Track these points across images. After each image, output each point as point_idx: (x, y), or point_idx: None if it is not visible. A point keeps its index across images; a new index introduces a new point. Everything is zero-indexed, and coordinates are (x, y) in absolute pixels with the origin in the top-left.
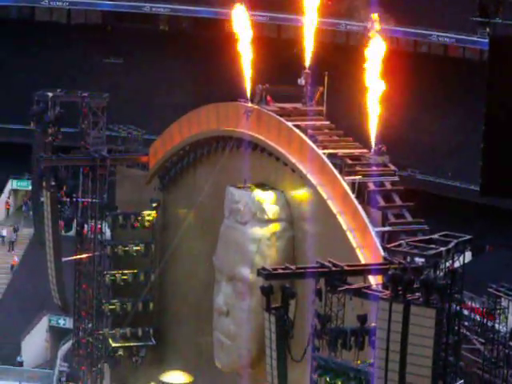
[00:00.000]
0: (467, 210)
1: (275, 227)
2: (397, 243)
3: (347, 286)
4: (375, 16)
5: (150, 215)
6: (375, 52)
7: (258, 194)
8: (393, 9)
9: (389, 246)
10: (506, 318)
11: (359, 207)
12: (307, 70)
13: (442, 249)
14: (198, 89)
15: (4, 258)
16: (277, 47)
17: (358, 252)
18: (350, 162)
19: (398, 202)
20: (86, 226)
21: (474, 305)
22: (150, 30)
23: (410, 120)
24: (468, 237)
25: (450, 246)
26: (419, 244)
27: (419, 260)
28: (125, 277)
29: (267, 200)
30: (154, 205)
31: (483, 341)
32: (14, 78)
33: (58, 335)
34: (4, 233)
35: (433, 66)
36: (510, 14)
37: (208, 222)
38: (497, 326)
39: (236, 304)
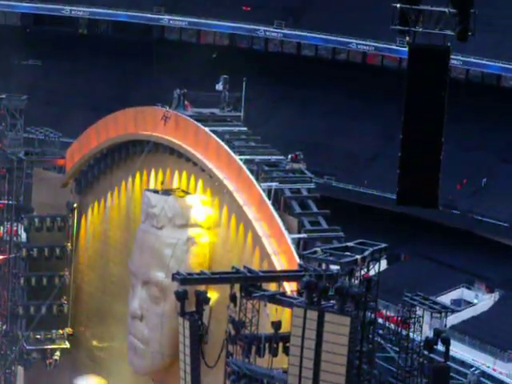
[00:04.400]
0: (383, 218)
1: (191, 232)
2: (312, 250)
3: (262, 292)
4: None
5: (65, 218)
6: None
7: (175, 198)
8: (312, 16)
9: (304, 252)
10: (421, 326)
11: (275, 214)
12: (225, 76)
13: (358, 256)
14: (116, 92)
15: None
16: (196, 52)
17: (274, 258)
18: (266, 168)
19: (314, 209)
20: (1, 227)
21: (388, 313)
22: (69, 32)
23: (328, 127)
24: (383, 245)
25: (366, 253)
26: (334, 251)
27: (334, 267)
28: (40, 279)
29: (183, 205)
30: (71, 208)
31: (397, 349)
32: None
33: None
34: None
35: (352, 73)
36: (430, 23)
37: (124, 226)
38: (411, 334)
39: (150, 308)
